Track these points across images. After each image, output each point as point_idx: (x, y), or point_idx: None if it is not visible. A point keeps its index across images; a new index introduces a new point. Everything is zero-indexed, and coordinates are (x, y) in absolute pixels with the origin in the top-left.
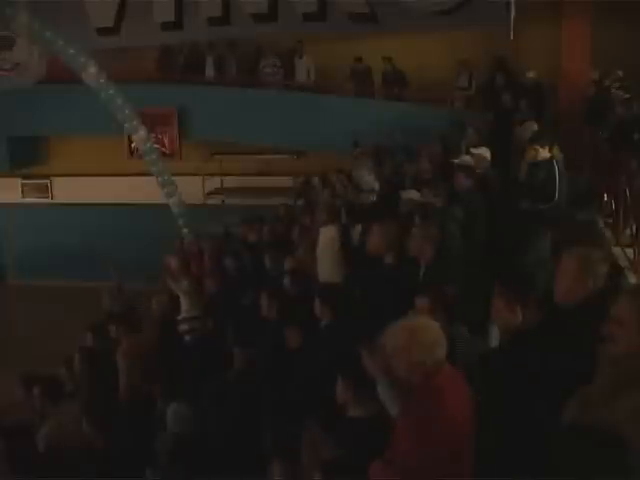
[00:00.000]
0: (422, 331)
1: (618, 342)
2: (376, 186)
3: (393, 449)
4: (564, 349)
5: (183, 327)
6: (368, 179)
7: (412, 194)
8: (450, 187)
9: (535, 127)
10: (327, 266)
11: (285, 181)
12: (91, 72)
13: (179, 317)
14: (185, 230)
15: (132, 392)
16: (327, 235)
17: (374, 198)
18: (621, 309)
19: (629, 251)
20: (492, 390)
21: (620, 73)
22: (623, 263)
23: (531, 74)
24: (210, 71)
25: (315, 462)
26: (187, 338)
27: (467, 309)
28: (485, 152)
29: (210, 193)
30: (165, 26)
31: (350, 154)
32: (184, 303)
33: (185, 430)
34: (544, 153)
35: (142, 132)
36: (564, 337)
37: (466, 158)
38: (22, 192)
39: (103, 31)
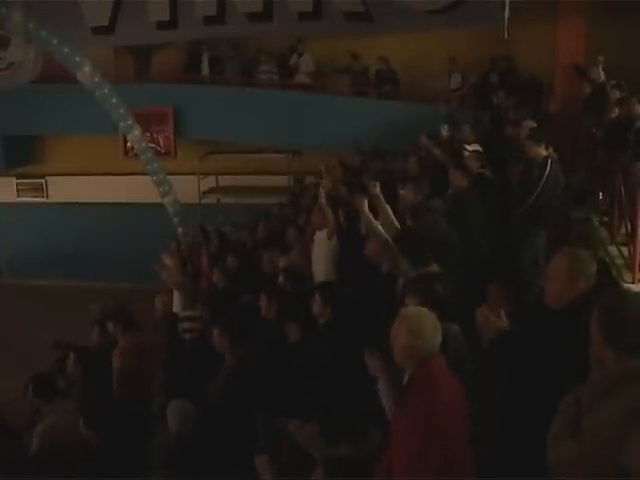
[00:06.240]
0: (411, 317)
1: None
2: None
3: (393, 444)
4: (555, 351)
5: (184, 326)
6: None
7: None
8: (443, 185)
9: (533, 125)
10: (323, 270)
11: (280, 180)
12: (86, 71)
13: (180, 316)
14: (180, 229)
15: (127, 391)
16: (322, 239)
17: None
18: None
19: (624, 249)
20: (486, 388)
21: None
22: (619, 261)
23: (526, 73)
24: (205, 70)
25: (306, 461)
26: (187, 337)
27: (462, 308)
28: (479, 149)
29: (205, 192)
30: (160, 25)
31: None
32: (179, 301)
33: (185, 428)
34: (541, 152)
35: (137, 131)
36: (555, 339)
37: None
38: (17, 192)
39: (98, 30)
